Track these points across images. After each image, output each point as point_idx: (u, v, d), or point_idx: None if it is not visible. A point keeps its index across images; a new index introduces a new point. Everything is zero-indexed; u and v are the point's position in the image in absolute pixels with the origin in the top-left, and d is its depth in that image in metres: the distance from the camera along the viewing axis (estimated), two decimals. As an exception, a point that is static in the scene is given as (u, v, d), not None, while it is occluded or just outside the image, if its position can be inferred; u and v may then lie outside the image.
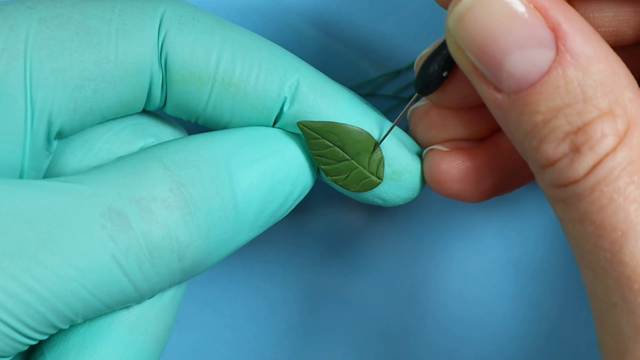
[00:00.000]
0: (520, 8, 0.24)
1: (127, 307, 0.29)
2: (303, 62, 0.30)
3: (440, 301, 0.38)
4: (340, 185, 0.31)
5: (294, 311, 0.38)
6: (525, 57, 0.24)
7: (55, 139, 0.29)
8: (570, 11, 0.25)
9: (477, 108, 0.30)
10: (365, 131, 0.30)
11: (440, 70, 0.28)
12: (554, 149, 0.25)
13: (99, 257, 0.26)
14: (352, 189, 0.31)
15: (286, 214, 0.30)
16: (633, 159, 0.24)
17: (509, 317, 0.38)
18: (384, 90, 0.38)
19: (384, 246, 0.38)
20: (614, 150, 0.24)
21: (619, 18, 0.28)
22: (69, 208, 0.26)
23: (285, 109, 0.29)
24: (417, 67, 0.29)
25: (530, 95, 0.25)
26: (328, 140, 0.30)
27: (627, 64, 0.25)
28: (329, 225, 0.39)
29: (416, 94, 0.29)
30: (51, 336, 0.29)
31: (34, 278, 0.25)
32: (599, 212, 0.24)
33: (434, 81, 0.29)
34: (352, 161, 0.30)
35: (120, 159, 0.28)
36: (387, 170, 0.30)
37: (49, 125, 0.28)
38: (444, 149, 0.30)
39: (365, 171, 0.30)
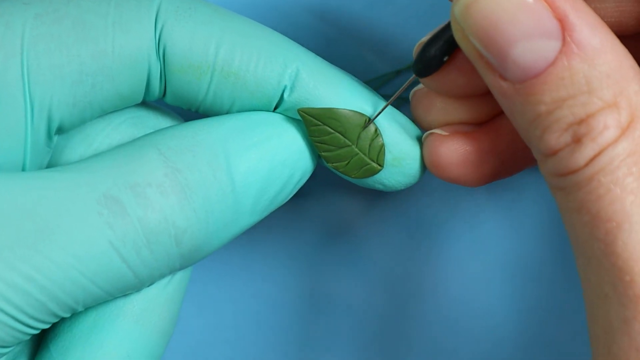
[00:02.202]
0: None
1: (131, 300, 0.29)
2: (302, 49, 0.30)
3: (439, 300, 0.38)
4: (341, 172, 0.31)
5: (293, 311, 0.38)
6: (531, 47, 0.24)
7: (55, 134, 0.29)
8: (578, 2, 0.24)
9: (477, 95, 0.30)
10: (366, 116, 0.30)
11: (441, 54, 0.28)
12: (556, 139, 0.24)
13: (96, 244, 0.26)
14: (353, 176, 0.31)
15: (288, 198, 0.30)
16: (634, 151, 0.24)
17: (508, 318, 0.38)
18: (385, 90, 0.37)
19: (383, 245, 0.38)
20: (615, 141, 0.24)
21: (621, 9, 0.28)
22: (65, 197, 0.26)
23: (285, 96, 0.29)
24: (416, 51, 0.29)
25: (535, 86, 0.24)
26: (329, 127, 0.30)
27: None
28: (330, 227, 0.38)
29: (413, 76, 0.29)
30: (56, 330, 0.29)
31: (33, 267, 0.26)
32: (595, 202, 0.24)
33: (434, 64, 0.28)
34: (353, 147, 0.30)
35: (117, 147, 0.28)
36: (388, 157, 0.30)
37: (49, 121, 0.28)
38: (444, 132, 0.30)
39: (366, 158, 0.30)
